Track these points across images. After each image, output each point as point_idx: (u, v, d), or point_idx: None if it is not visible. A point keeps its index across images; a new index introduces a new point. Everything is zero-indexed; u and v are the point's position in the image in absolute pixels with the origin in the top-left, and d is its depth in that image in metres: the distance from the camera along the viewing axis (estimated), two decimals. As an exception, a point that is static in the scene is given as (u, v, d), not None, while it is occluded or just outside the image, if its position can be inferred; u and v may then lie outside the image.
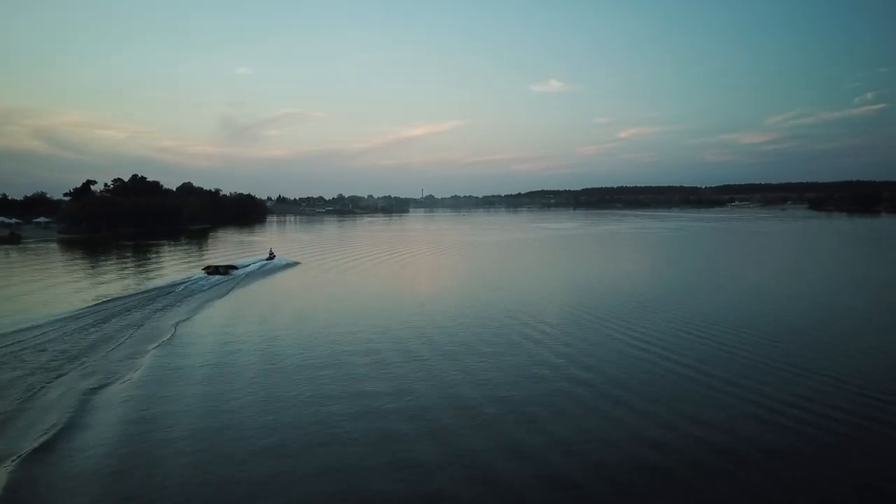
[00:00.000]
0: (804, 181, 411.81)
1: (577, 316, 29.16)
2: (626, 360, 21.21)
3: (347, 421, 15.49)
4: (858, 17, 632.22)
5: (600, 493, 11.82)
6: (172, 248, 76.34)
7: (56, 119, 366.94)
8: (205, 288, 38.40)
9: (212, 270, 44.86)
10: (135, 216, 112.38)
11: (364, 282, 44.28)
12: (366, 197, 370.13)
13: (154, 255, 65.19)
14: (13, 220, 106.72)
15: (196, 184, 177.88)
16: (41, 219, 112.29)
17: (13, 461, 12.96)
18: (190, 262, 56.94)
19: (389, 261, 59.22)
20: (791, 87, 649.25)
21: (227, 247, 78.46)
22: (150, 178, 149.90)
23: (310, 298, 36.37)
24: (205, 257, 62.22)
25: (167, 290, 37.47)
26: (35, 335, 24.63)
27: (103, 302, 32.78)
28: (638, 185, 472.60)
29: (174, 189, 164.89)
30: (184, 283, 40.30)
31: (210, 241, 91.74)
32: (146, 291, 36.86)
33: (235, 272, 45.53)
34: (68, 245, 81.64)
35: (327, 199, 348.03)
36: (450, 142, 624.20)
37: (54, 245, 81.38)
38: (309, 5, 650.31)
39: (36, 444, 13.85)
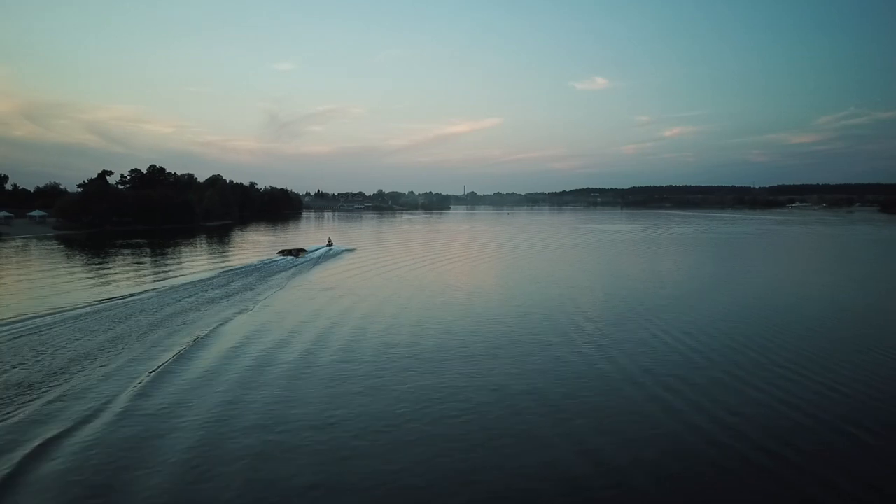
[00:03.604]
0: (862, 182, 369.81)
1: None
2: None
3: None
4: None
5: None
6: (162, 254, 55.37)
7: (104, 113, 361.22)
8: (289, 266, 41.57)
9: (285, 253, 49.18)
10: (144, 211, 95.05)
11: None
12: (406, 193, 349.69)
13: (133, 266, 44.93)
14: (3, 214, 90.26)
15: (237, 178, 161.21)
16: (36, 212, 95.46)
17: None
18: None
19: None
20: (840, 87, 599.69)
21: (226, 252, 56.99)
22: (193, 174, 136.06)
23: (371, 277, 37.59)
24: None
25: (256, 267, 41.21)
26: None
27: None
28: (687, 184, 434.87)
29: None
30: (267, 262, 44.26)
31: (210, 243, 71.61)
32: (242, 267, 41.04)
33: (305, 255, 48.88)
34: (54, 243, 63.95)
35: (367, 194, 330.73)
36: (491, 138, 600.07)
37: (38, 243, 63.71)
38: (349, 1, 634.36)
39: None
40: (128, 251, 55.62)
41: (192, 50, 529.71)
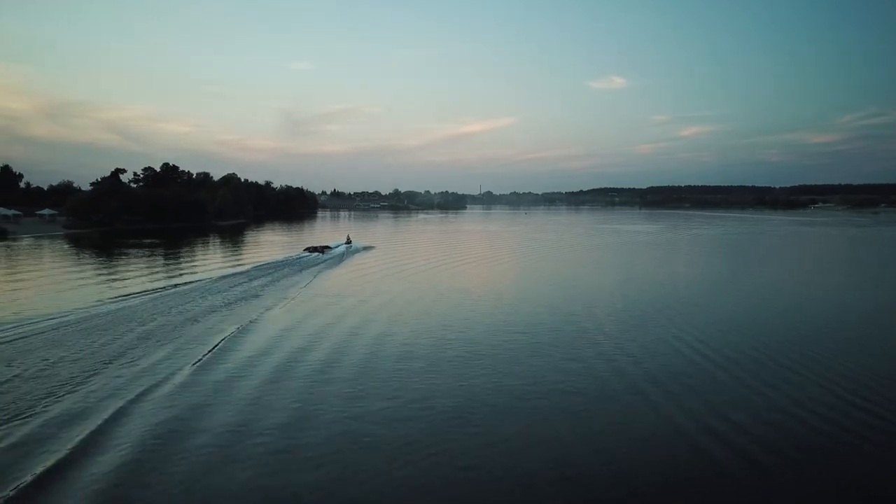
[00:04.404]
0: (885, 182, 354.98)
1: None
2: None
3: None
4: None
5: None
6: (177, 253, 50.58)
7: (123, 112, 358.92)
8: (318, 261, 44.02)
9: (311, 250, 51.11)
10: (155, 210, 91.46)
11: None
12: (422, 192, 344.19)
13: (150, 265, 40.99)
14: (11, 212, 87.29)
15: (252, 178, 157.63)
16: (45, 211, 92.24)
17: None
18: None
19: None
20: (860, 86, 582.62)
21: (240, 251, 52.47)
22: (209, 173, 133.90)
23: (392, 273, 38.34)
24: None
25: (286, 262, 42.82)
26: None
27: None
28: (704, 184, 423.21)
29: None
30: (297, 257, 46.37)
31: (223, 242, 66.91)
32: (272, 262, 42.34)
33: (329, 251, 51.21)
34: (61, 242, 60.82)
35: (383, 193, 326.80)
36: (507, 138, 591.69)
37: (45, 242, 60.53)
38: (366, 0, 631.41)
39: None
40: (138, 250, 53.43)
41: (210, 49, 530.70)
